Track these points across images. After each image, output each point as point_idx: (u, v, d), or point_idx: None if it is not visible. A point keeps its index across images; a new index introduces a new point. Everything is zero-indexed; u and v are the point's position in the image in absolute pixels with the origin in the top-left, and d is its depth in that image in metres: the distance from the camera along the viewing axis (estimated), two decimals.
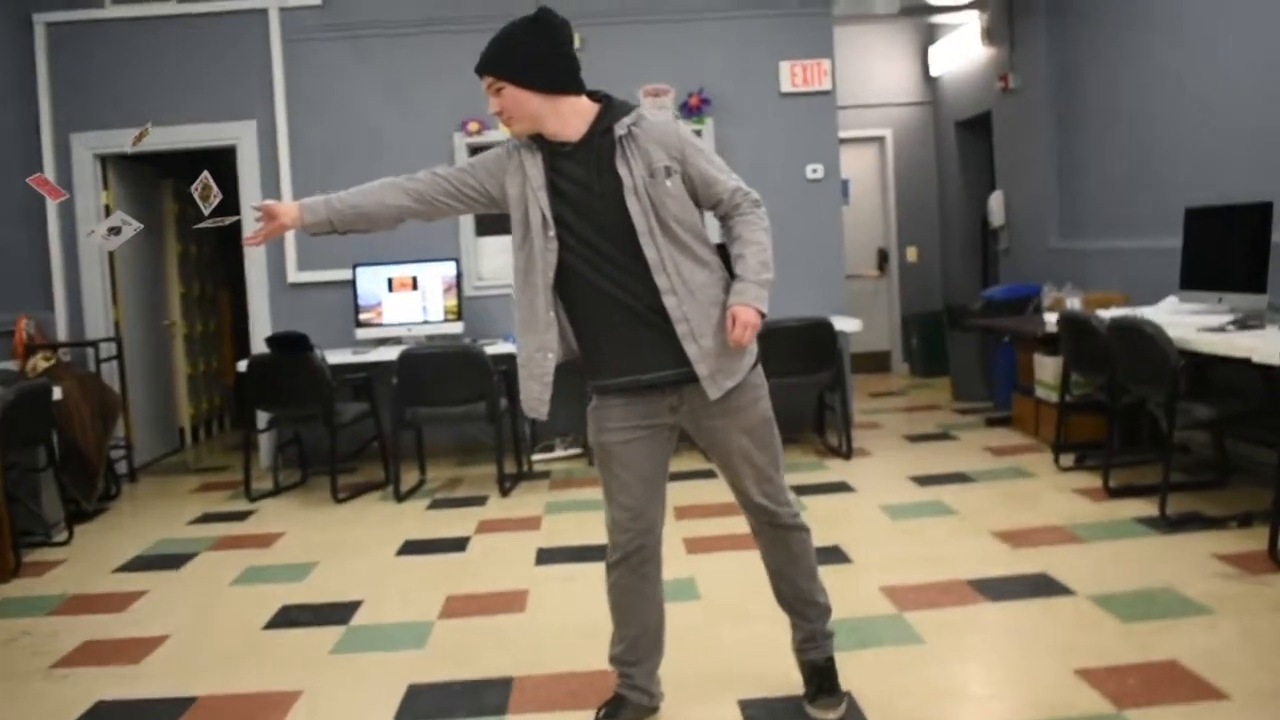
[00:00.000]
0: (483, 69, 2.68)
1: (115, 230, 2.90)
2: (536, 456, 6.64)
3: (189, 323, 8.28)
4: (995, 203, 8.26)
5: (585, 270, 2.70)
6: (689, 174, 2.71)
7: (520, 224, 2.74)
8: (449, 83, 6.79)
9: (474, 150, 6.85)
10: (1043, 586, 3.88)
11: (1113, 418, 5.26)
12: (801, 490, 5.44)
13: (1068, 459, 5.73)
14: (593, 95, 2.74)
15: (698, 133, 6.96)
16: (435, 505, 5.74)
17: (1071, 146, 7.24)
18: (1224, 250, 4.93)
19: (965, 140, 9.21)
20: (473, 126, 6.83)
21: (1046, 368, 6.18)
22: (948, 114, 9.39)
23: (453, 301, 6.67)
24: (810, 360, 6.23)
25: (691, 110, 6.90)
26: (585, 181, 2.68)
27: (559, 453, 6.73)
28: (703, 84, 6.91)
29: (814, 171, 7.02)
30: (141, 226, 2.93)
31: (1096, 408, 5.79)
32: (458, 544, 4.95)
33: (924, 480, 5.65)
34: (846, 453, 6.32)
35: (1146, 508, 4.75)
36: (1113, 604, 3.64)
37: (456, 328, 6.65)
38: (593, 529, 4.92)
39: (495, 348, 6.18)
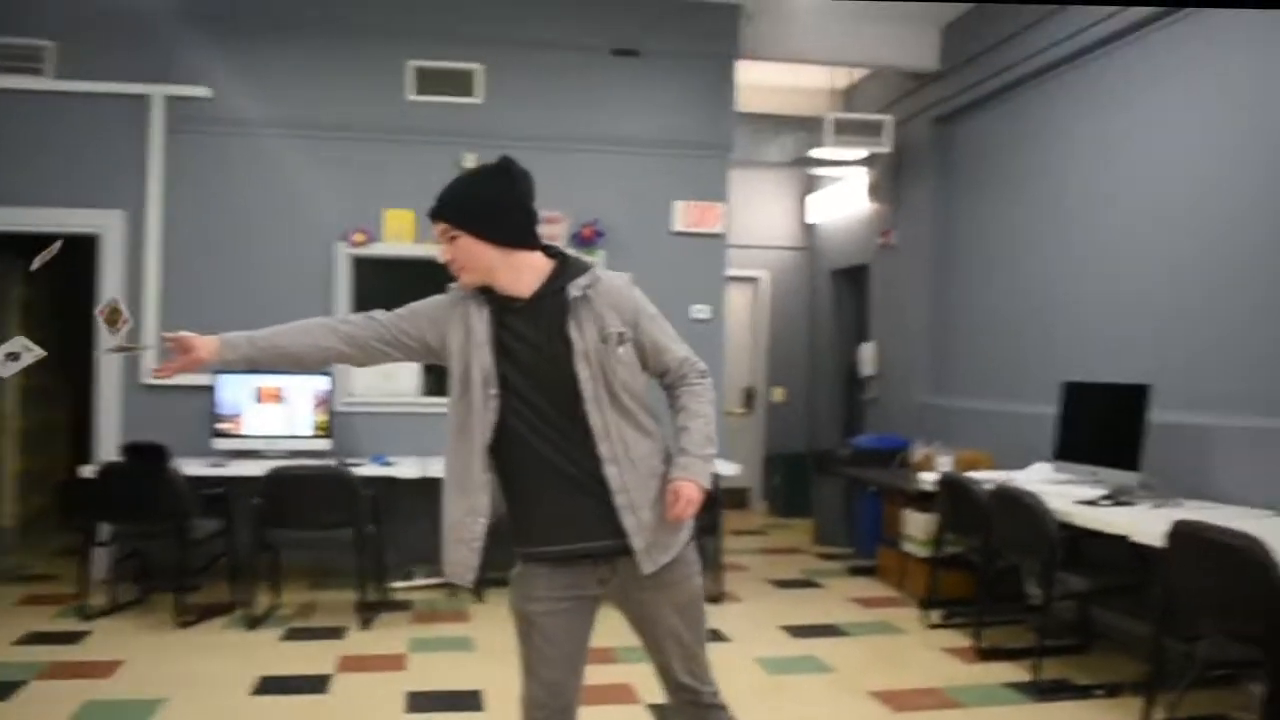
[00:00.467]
0: (438, 215, 2.57)
1: (14, 356, 2.64)
2: (395, 584, 6.33)
3: (25, 415, 7.70)
4: (867, 352, 8.47)
5: (524, 432, 2.56)
6: (640, 341, 2.63)
7: (459, 379, 2.60)
8: (338, 190, 6.63)
9: (356, 262, 6.66)
10: None
11: (985, 580, 5.33)
12: None
13: (936, 615, 5.77)
14: (548, 251, 2.65)
15: None
16: (290, 635, 5.37)
17: (947, 306, 7.50)
18: (1099, 425, 5.11)
19: (841, 289, 9.47)
20: (357, 238, 6.64)
21: (917, 523, 6.26)
22: (824, 262, 9.64)
23: (323, 417, 6.38)
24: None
25: (584, 241, 6.88)
26: (533, 341, 2.57)
27: (419, 581, 6.43)
28: (597, 215, 6.92)
29: (700, 312, 7.07)
30: (44, 354, 2.66)
31: (964, 565, 5.89)
32: (317, 683, 4.61)
33: (796, 631, 5.59)
34: (717, 597, 6.24)
35: (1017, 672, 4.80)
36: None
37: (324, 444, 6.35)
38: (465, 672, 4.70)
39: (364, 469, 5.92)
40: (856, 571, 7.14)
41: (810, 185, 9.83)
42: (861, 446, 7.68)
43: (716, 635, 5.48)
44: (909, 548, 6.39)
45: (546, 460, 2.55)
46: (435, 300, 2.68)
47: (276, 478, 5.43)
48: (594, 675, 4.58)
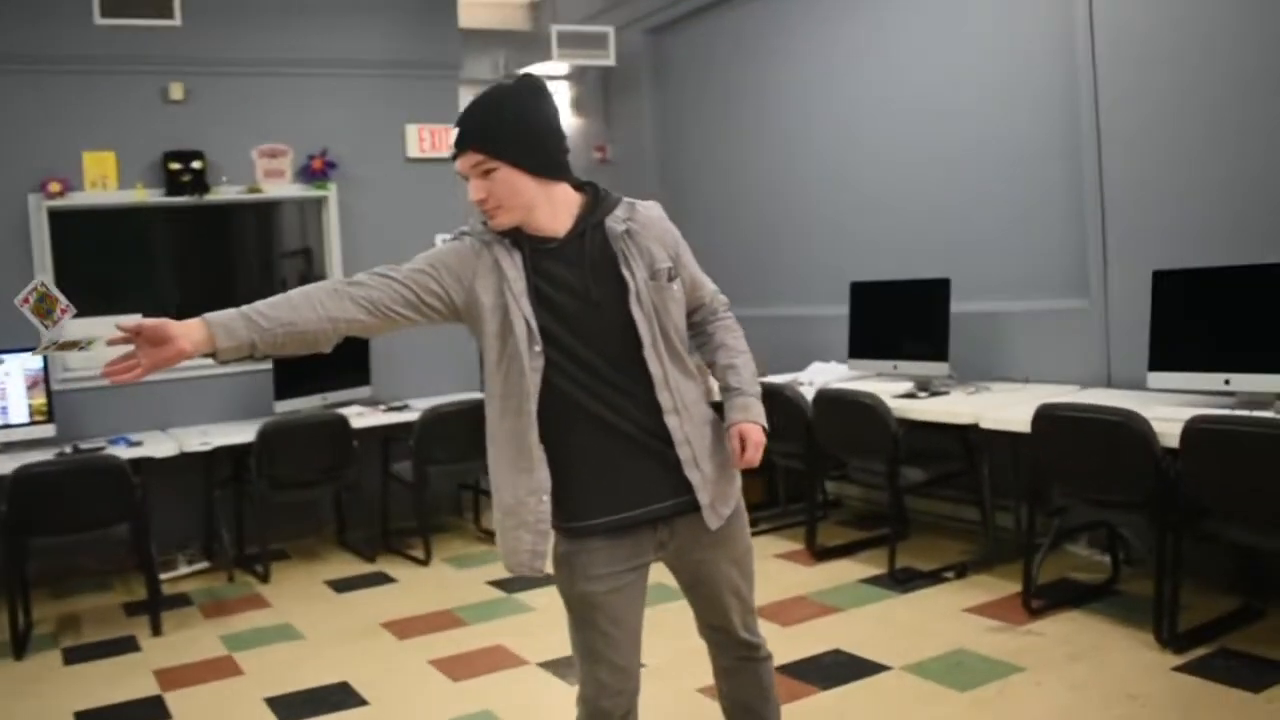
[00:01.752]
0: (471, 143, 2.17)
1: (69, 345, 2.00)
2: (161, 577, 5.56)
3: None
4: None
5: (571, 390, 2.25)
6: (682, 275, 2.38)
7: (497, 339, 2.23)
8: (25, 134, 5.54)
9: (54, 216, 5.65)
10: (856, 667, 3.90)
11: (813, 484, 5.47)
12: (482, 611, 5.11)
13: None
14: (577, 183, 2.32)
15: (323, 199, 6.34)
16: (74, 657, 4.55)
17: (681, 218, 7.52)
18: (900, 321, 5.35)
19: None
20: (53, 187, 5.59)
21: None
22: None
23: (40, 399, 5.41)
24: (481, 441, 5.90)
25: (314, 173, 6.25)
26: (576, 286, 2.25)
27: (184, 570, 5.71)
28: (325, 145, 6.29)
29: (443, 243, 6.64)
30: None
31: (752, 472, 6.03)
32: (152, 709, 3.95)
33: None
34: None
35: (862, 568, 5.01)
36: (933, 673, 3.75)
37: (47, 430, 5.39)
38: (312, 665, 4.22)
39: (113, 453, 5.10)
40: None
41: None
42: None
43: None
44: None
45: (599, 419, 2.26)
46: (453, 249, 2.27)
47: (27, 478, 4.53)
48: (461, 642, 4.38)
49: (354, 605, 5.09)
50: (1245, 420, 3.58)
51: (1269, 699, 3.38)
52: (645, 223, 2.33)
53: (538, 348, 2.21)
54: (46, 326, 2.04)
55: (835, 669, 3.89)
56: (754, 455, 2.41)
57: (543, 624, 4.61)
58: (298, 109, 6.22)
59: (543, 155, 2.20)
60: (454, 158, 2.21)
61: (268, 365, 5.71)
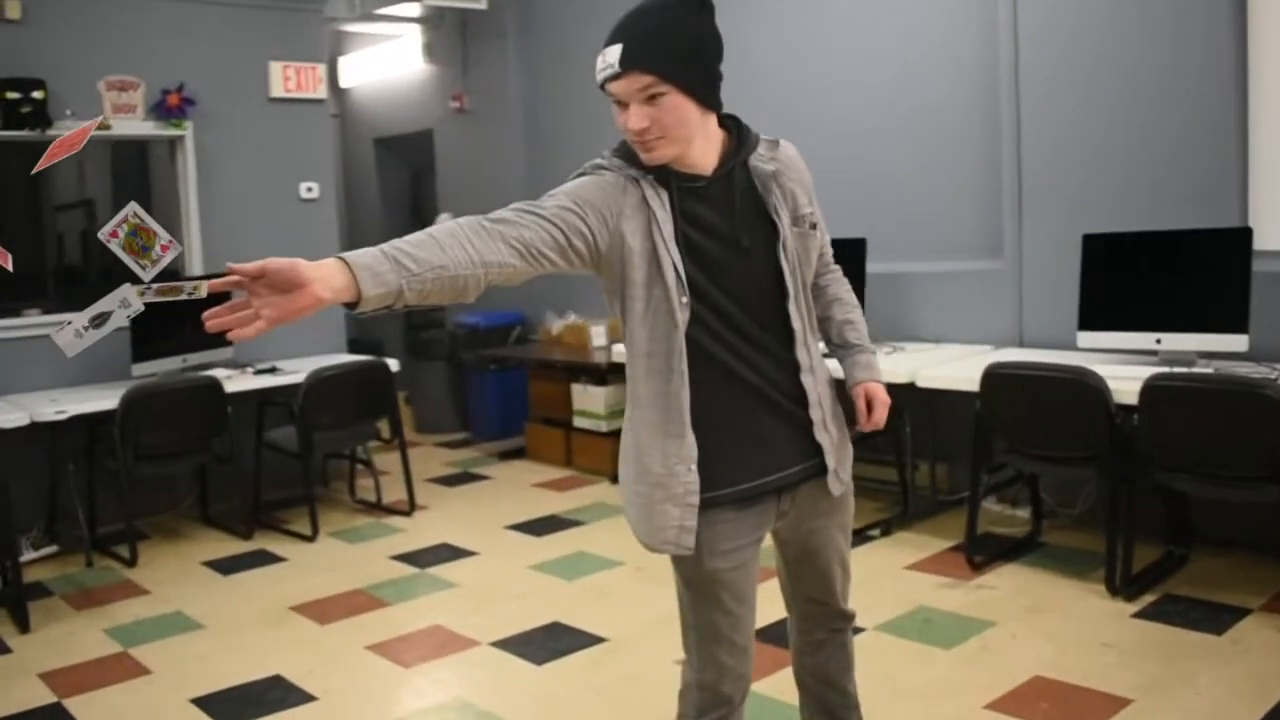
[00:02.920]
0: (640, 63, 1.89)
1: (100, 319, 1.56)
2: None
3: None
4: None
5: (710, 345, 2.03)
6: (819, 224, 2.20)
7: (644, 287, 1.98)
8: None
9: None
10: None
11: None
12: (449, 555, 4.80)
13: None
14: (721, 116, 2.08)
15: (178, 139, 5.74)
16: None
17: (549, 171, 7.26)
18: None
19: (386, 158, 8.76)
20: None
21: (596, 397, 6.12)
22: (364, 130, 8.85)
23: None
24: (369, 408, 5.53)
25: (170, 110, 5.63)
26: (721, 231, 2.03)
27: (29, 555, 5.05)
28: (181, 79, 5.66)
29: (309, 191, 6.15)
30: (141, 308, 1.61)
31: None
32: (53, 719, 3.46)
33: (537, 528, 5.27)
34: (409, 508, 5.65)
35: None
36: (909, 632, 3.73)
37: None
38: (232, 660, 3.80)
39: None
40: (506, 455, 6.86)
41: (340, 46, 8.88)
42: (468, 325, 7.30)
43: (460, 551, 4.99)
44: (584, 424, 6.24)
45: (738, 378, 2.05)
46: (596, 183, 1.98)
47: None
48: (393, 624, 4.05)
49: (247, 588, 4.64)
50: (1205, 378, 3.71)
51: (1233, 640, 3.53)
52: (787, 163, 2.13)
53: (685, 298, 1.98)
54: (144, 266, 1.62)
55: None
56: (881, 416, 2.28)
57: (474, 600, 4.33)
58: (151, 39, 5.57)
59: (710, 81, 1.96)
60: (609, 79, 1.92)
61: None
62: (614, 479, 5.96)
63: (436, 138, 8.05)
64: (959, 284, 5.15)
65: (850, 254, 5.04)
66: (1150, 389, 3.74)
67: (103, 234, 1.65)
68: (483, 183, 7.68)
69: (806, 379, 2.12)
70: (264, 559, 5.01)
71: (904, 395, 4.66)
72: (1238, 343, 3.99)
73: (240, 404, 5.27)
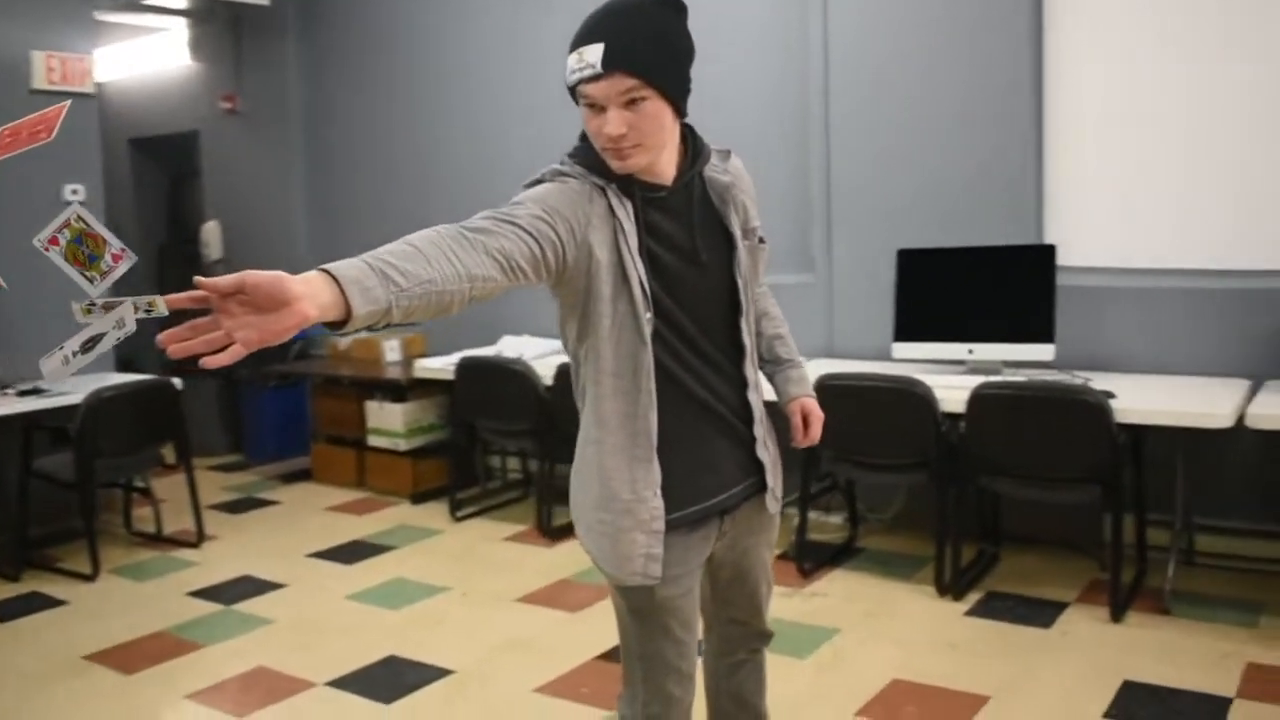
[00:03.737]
0: (624, 64, 1.77)
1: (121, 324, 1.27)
2: None
3: None
4: (212, 234, 7.42)
5: (668, 363, 1.94)
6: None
7: (609, 302, 1.87)
8: None
9: None
10: None
11: (544, 466, 5.21)
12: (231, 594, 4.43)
13: (446, 508, 5.54)
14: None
15: None
16: None
17: (324, 178, 6.91)
18: None
19: (141, 161, 8.09)
20: None
21: (393, 415, 5.85)
22: (117, 131, 8.12)
23: None
24: (154, 431, 5.07)
25: None
26: (682, 244, 1.95)
27: None
28: None
29: (74, 194, 5.58)
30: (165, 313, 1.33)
31: (435, 453, 5.88)
32: None
33: (345, 555, 4.96)
34: (197, 539, 5.21)
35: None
36: None
37: None
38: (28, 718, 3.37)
39: None
40: (290, 478, 6.44)
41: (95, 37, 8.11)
42: None
43: (263, 585, 4.63)
44: (380, 443, 5.95)
45: (693, 396, 1.98)
46: (562, 191, 1.84)
47: None
48: (211, 669, 3.69)
49: (26, 637, 4.13)
50: (1032, 386, 3.93)
51: (1062, 632, 3.75)
52: (737, 174, 2.07)
53: (649, 314, 1.88)
54: (91, 279, 1.36)
55: None
56: (817, 432, 2.25)
57: (296, 636, 4.03)
58: None
59: (686, 88, 1.87)
60: (586, 80, 1.79)
61: None
62: (414, 500, 5.75)
63: (203, 140, 7.51)
64: (792, 297, 5.24)
65: None
66: (979, 398, 3.92)
67: (39, 241, 1.40)
68: (256, 190, 7.22)
69: (752, 396, 2.08)
70: (40, 602, 4.47)
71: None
72: (1045, 352, 4.25)
73: (2, 430, 4.71)
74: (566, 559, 4.75)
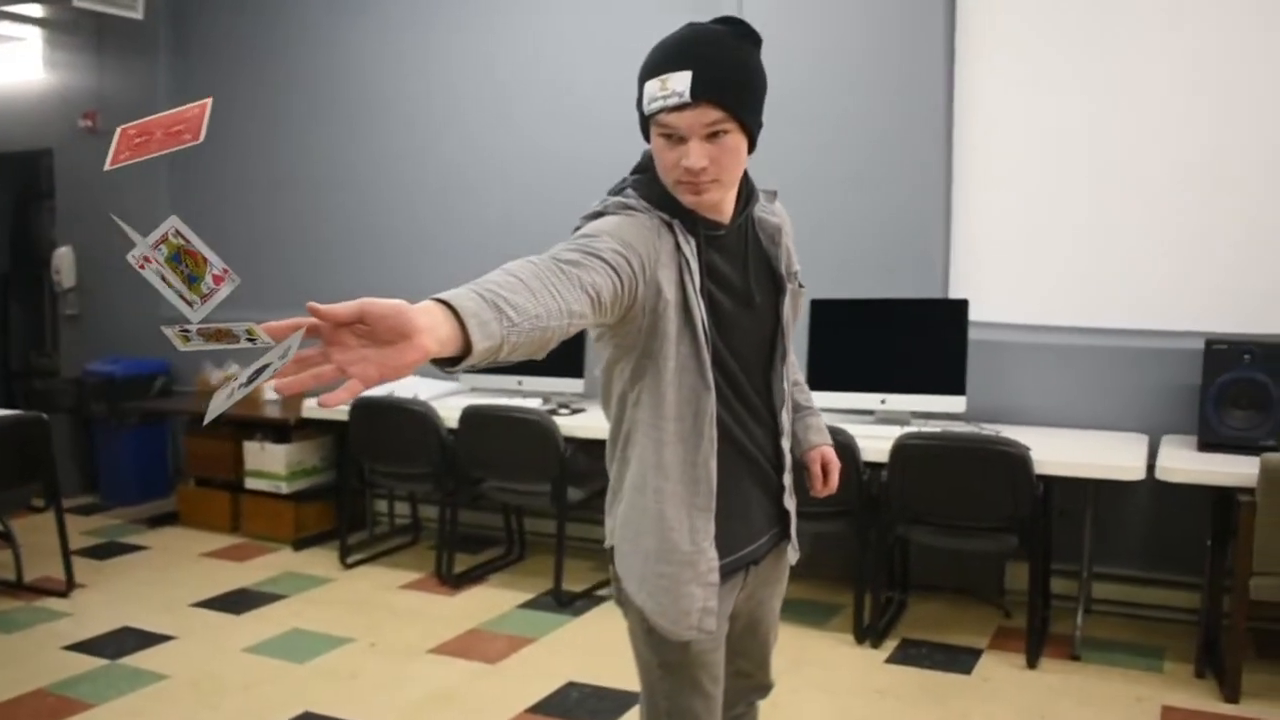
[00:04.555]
0: (714, 94, 1.72)
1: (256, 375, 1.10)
2: None
3: None
4: (64, 260, 6.95)
5: (718, 409, 1.91)
6: None
7: (675, 343, 1.81)
8: None
9: None
10: (609, 698, 3.70)
11: (445, 512, 5.03)
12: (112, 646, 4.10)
13: (333, 554, 5.31)
14: None
15: None
16: None
17: (194, 206, 6.57)
18: None
19: None
20: None
21: (275, 457, 5.56)
22: None
23: None
24: (23, 470, 4.68)
25: None
26: (737, 286, 1.92)
27: None
28: None
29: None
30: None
31: (319, 496, 5.67)
32: None
33: (232, 605, 4.67)
34: (66, 588, 4.81)
35: (512, 593, 4.77)
36: None
37: None
38: None
39: None
40: (156, 522, 6.03)
41: None
42: (102, 374, 6.40)
43: (156, 640, 4.30)
44: (260, 485, 5.64)
45: (738, 443, 1.94)
46: (633, 224, 1.76)
47: None
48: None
49: None
50: (956, 437, 4.03)
51: (982, 678, 3.84)
52: (782, 216, 2.05)
53: (708, 357, 1.83)
54: (191, 303, 1.20)
55: (588, 702, 3.66)
56: (835, 482, 2.24)
57: (195, 694, 3.76)
58: None
59: (760, 124, 1.83)
60: (672, 108, 1.72)
61: None
62: (296, 545, 5.49)
63: (57, 159, 7.04)
64: None
65: None
66: (902, 447, 3.99)
67: (134, 257, 1.25)
68: (115, 214, 6.78)
69: (784, 443, 2.06)
70: None
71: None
72: (956, 404, 4.38)
73: None
74: (472, 607, 4.61)
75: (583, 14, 5.36)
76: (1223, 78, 4.24)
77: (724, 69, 1.74)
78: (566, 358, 4.68)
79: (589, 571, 4.97)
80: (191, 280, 1.26)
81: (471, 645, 4.19)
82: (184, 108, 1.28)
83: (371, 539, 5.65)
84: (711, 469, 1.85)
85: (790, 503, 2.09)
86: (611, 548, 1.98)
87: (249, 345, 1.28)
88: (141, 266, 1.25)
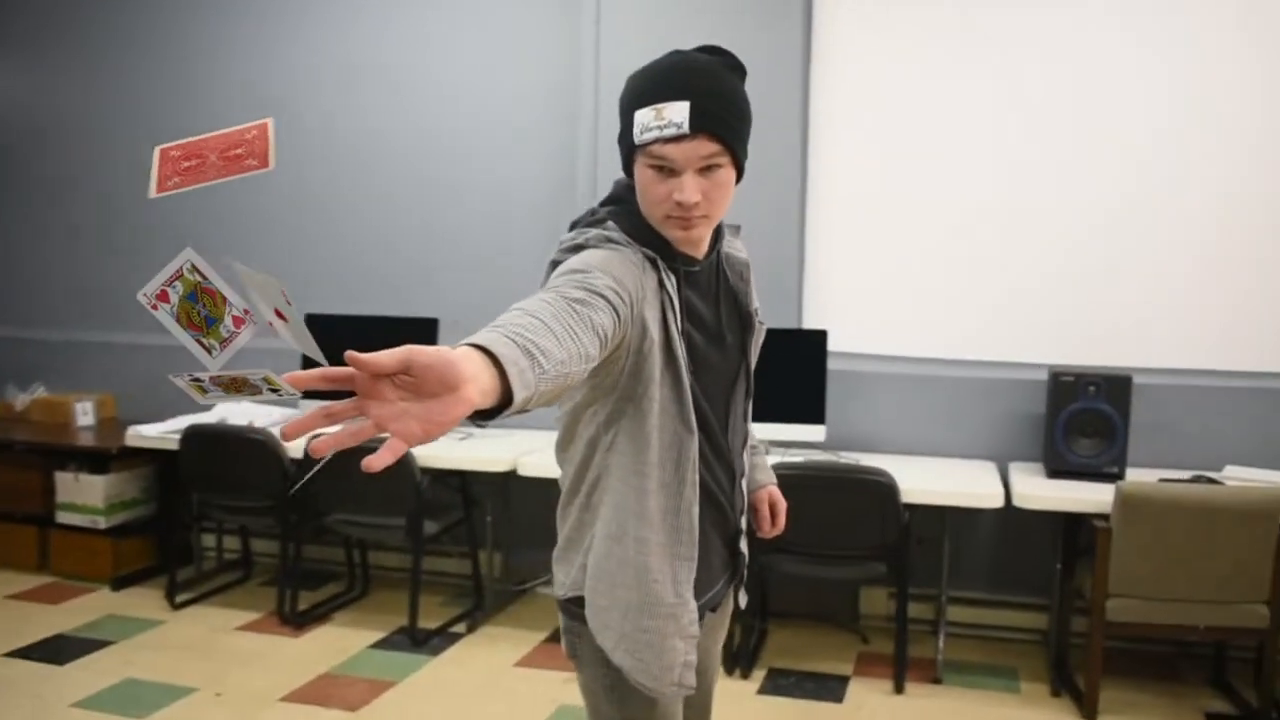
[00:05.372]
0: (713, 127, 1.66)
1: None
2: None
3: None
4: None
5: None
6: None
7: (658, 385, 1.73)
8: None
9: None
10: None
11: (288, 547, 4.74)
12: None
13: (158, 594, 4.93)
14: None
15: None
16: None
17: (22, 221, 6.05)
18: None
19: None
20: None
21: (93, 489, 5.12)
22: None
23: None
24: None
25: None
26: (710, 323, 1.87)
27: None
28: None
29: None
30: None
31: (139, 531, 5.27)
32: None
33: (51, 654, 4.24)
34: None
35: (361, 633, 4.54)
36: None
37: None
38: None
39: None
40: None
41: None
42: None
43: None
44: (74, 519, 5.18)
45: (705, 487, 1.88)
46: (621, 260, 1.67)
47: None
48: None
49: None
50: (829, 466, 4.09)
51: (856, 705, 3.89)
52: (744, 251, 2.00)
53: (689, 396, 1.76)
54: (210, 349, 1.02)
55: None
56: (783, 522, 2.21)
57: None
58: None
59: (747, 157, 1.78)
60: (669, 139, 1.65)
61: None
62: (115, 585, 5.08)
63: None
64: None
65: (423, 335, 4.84)
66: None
67: (145, 295, 1.09)
68: None
69: (743, 484, 2.01)
70: None
71: (495, 483, 4.59)
72: (816, 433, 4.45)
73: None
74: (320, 649, 4.36)
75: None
76: (1071, 113, 4.47)
77: (720, 100, 1.69)
78: None
79: (440, 607, 4.80)
80: (209, 323, 1.10)
81: (328, 691, 3.95)
82: (239, 128, 1.13)
83: (199, 576, 5.28)
84: (694, 516, 1.79)
85: (744, 545, 2.05)
86: (570, 599, 1.88)
87: (273, 396, 1.14)
88: (154, 307, 1.09)
